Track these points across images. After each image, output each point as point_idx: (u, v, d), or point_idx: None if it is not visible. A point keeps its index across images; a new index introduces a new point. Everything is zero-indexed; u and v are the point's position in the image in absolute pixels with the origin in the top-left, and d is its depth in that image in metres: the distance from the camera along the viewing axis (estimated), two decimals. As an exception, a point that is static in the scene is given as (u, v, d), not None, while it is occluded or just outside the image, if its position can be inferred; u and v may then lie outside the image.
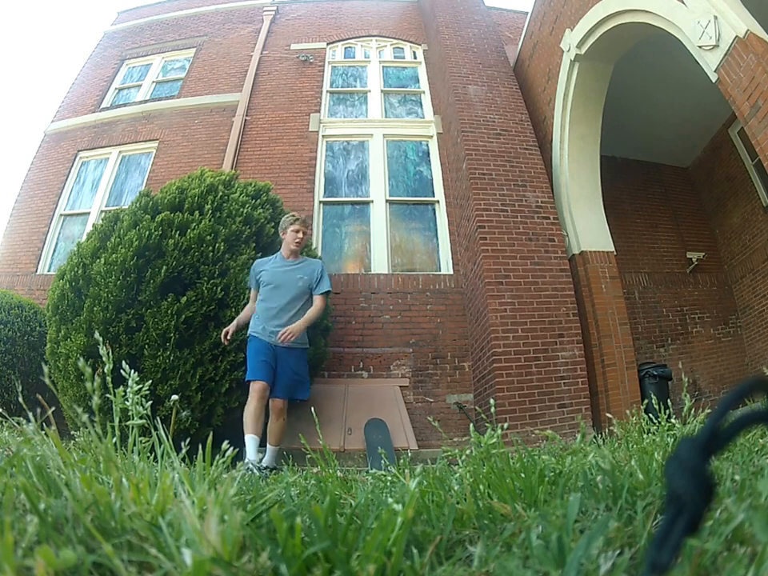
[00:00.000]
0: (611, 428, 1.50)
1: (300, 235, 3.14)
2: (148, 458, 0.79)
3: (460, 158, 5.39)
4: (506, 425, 1.09)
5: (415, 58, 7.92)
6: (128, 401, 0.86)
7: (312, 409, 1.59)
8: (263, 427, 2.85)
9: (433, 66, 7.31)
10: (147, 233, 3.36)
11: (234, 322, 3.13)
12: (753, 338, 6.18)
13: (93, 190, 6.64)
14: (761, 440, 1.16)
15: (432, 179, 6.22)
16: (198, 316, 3.26)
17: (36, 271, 5.97)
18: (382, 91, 7.27)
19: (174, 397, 1.42)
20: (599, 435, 1.78)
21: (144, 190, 3.98)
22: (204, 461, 0.75)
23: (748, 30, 2.95)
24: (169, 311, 3.17)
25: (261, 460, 2.79)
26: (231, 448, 0.82)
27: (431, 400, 4.75)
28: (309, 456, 1.26)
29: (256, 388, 2.80)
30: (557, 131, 5.36)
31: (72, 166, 6.82)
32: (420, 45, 7.95)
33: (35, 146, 7.23)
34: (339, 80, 7.59)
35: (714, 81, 3.29)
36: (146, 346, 3.17)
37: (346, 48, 8.06)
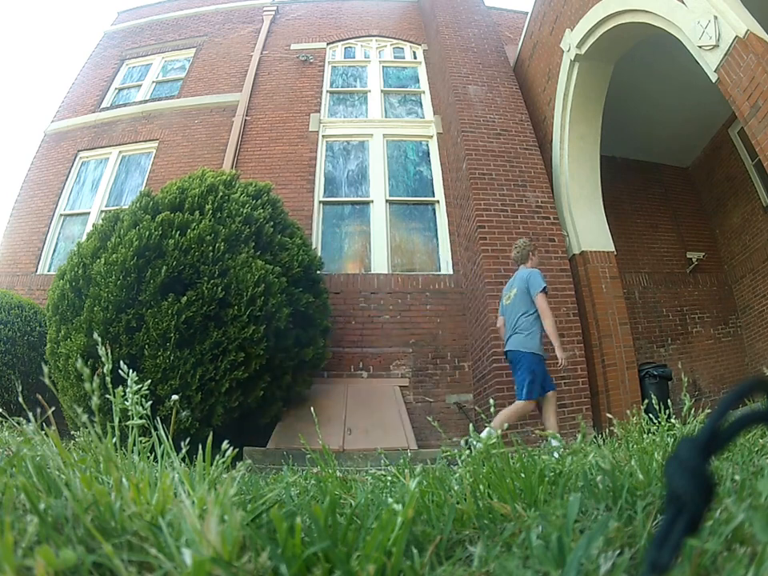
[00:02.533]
0: (611, 428, 1.50)
1: None
2: (148, 458, 0.79)
3: (460, 158, 5.39)
4: (505, 425, 1.09)
5: (415, 57, 7.92)
6: (128, 401, 0.86)
7: (311, 409, 1.59)
8: None
9: (433, 66, 7.31)
10: (147, 233, 3.36)
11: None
12: (753, 338, 6.18)
13: (93, 190, 6.64)
14: (761, 440, 1.16)
15: (432, 179, 6.22)
16: (199, 316, 3.25)
17: (36, 271, 5.97)
18: (382, 91, 7.27)
19: (174, 397, 1.42)
20: (599, 435, 1.78)
21: (144, 190, 3.98)
22: (204, 461, 0.75)
23: (748, 30, 2.95)
24: (169, 311, 3.17)
25: None
26: (231, 448, 0.82)
27: (431, 400, 4.75)
28: (309, 456, 1.26)
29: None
30: (557, 131, 5.36)
31: (72, 166, 6.82)
32: (420, 45, 7.95)
33: (35, 145, 7.24)
34: (339, 80, 7.59)
35: (714, 81, 3.29)
36: (146, 346, 3.16)
37: (345, 48, 8.06)
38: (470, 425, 1.09)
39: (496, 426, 3.04)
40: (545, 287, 3.25)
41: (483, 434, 2.98)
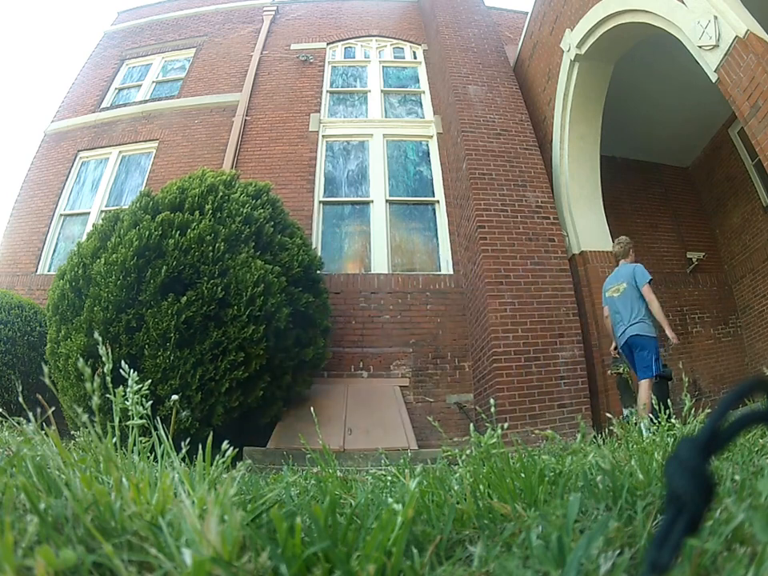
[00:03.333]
0: (611, 428, 1.50)
1: None
2: (148, 457, 0.79)
3: (460, 158, 5.39)
4: (505, 425, 1.09)
5: (415, 57, 7.92)
6: (128, 401, 0.86)
7: (311, 409, 1.59)
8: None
9: (433, 66, 7.31)
10: (147, 233, 3.36)
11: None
12: (753, 338, 6.18)
13: (93, 190, 6.64)
14: (761, 440, 1.16)
15: (432, 179, 6.22)
16: (198, 316, 3.25)
17: (36, 271, 5.97)
18: (381, 91, 7.27)
19: (174, 397, 1.42)
20: (599, 435, 1.78)
21: (144, 190, 3.98)
22: (204, 461, 0.75)
23: (748, 29, 2.95)
24: (169, 311, 3.17)
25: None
26: (231, 448, 0.82)
27: (431, 400, 4.75)
28: (309, 456, 1.26)
29: None
30: (557, 131, 5.36)
31: (72, 166, 6.82)
32: (420, 45, 7.95)
33: (35, 145, 7.24)
34: (339, 80, 7.59)
35: (714, 81, 3.29)
36: (147, 346, 3.16)
37: (345, 48, 8.06)
38: (471, 425, 1.09)
39: (644, 409, 3.23)
40: (650, 279, 3.71)
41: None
